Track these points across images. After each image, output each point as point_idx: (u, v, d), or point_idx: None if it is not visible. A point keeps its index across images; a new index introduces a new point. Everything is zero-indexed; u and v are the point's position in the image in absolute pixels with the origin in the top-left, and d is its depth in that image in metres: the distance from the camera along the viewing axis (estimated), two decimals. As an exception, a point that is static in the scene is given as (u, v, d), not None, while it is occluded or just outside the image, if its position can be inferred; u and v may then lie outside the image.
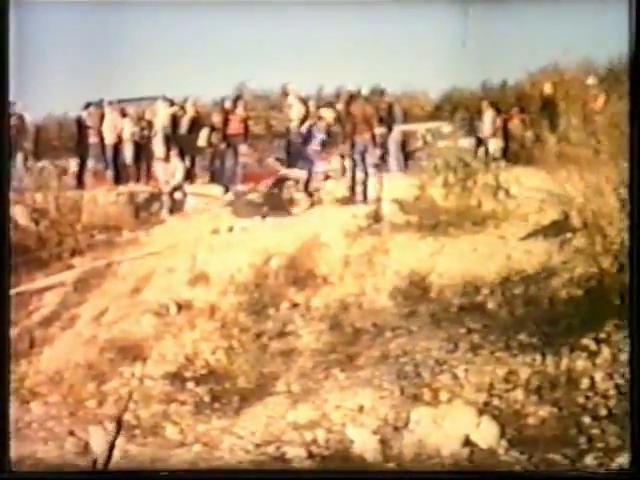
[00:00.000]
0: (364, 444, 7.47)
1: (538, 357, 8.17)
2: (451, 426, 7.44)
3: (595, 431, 6.99)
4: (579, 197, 9.44)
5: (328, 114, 13.86)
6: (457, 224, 11.09)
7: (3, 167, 7.80)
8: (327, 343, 9.39)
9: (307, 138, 13.47)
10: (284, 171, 13.33)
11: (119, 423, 8.11)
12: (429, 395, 8.02)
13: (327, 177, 13.53)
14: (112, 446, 7.35)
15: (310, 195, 12.86)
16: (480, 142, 14.89)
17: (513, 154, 13.78)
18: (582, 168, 9.38)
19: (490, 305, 9.38)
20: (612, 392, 7.37)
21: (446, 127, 16.66)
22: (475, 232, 10.97)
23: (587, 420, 7.14)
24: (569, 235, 9.84)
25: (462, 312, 9.40)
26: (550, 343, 8.34)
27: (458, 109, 21.12)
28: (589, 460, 6.67)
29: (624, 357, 7.67)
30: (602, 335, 8.04)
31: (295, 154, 13.94)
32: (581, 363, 7.85)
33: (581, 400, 7.42)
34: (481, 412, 7.56)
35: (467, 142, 15.37)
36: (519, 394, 7.75)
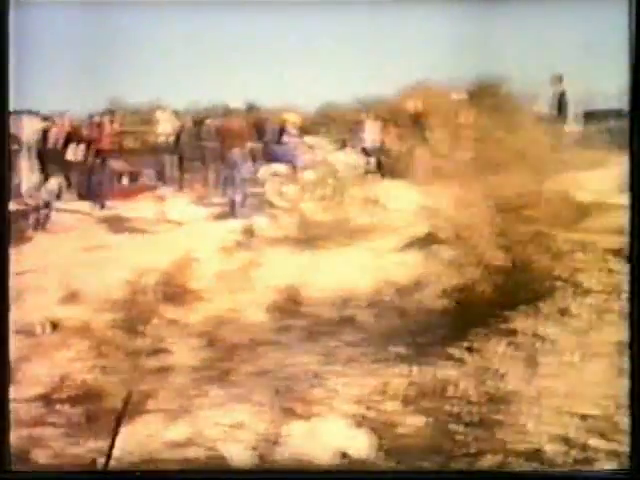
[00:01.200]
0: (240, 460, 7.48)
1: (410, 368, 8.37)
2: (326, 439, 7.54)
3: (464, 437, 7.22)
4: (449, 210, 9.71)
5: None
6: (330, 237, 11.24)
7: (3, 167, 7.69)
8: (202, 359, 9.33)
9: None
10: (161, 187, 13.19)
11: (118, 422, 7.96)
12: (304, 409, 8.08)
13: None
14: (112, 446, 7.34)
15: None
16: (364, 155, 15.13)
17: (386, 167, 14.06)
18: (451, 181, 9.65)
19: (364, 318, 9.53)
20: (479, 399, 7.62)
21: (318, 140, 16.86)
22: (348, 245, 11.14)
23: (457, 427, 7.37)
24: (439, 247, 10.12)
25: (336, 325, 9.52)
26: (422, 353, 8.57)
27: (333, 123, 21.41)
28: (458, 465, 6.90)
29: (490, 365, 7.97)
30: (469, 344, 8.31)
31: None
32: (451, 372, 8.09)
33: (450, 408, 7.65)
34: (356, 424, 7.70)
35: (341, 156, 15.58)
36: (392, 405, 7.92)
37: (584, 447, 6.75)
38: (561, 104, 14.20)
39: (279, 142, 16.14)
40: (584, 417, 7.03)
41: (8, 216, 7.88)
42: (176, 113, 15.51)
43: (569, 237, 9.09)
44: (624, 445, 6.69)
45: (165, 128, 15.11)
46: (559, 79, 14.15)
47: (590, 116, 14.94)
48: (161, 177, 14.68)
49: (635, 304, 6.93)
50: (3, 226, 7.75)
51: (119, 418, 8.08)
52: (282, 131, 18.05)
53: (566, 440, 6.87)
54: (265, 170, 14.82)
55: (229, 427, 7.98)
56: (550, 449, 6.81)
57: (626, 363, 7.40)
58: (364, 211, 11.61)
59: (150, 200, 12.30)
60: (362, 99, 19.30)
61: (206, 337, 9.69)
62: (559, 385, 7.49)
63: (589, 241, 9.05)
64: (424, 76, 16.22)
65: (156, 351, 9.59)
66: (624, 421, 6.86)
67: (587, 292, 8.37)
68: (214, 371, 9.11)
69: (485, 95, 14.94)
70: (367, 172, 13.73)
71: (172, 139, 15.12)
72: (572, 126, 14.14)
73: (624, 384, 7.24)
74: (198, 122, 15.68)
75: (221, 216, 12.87)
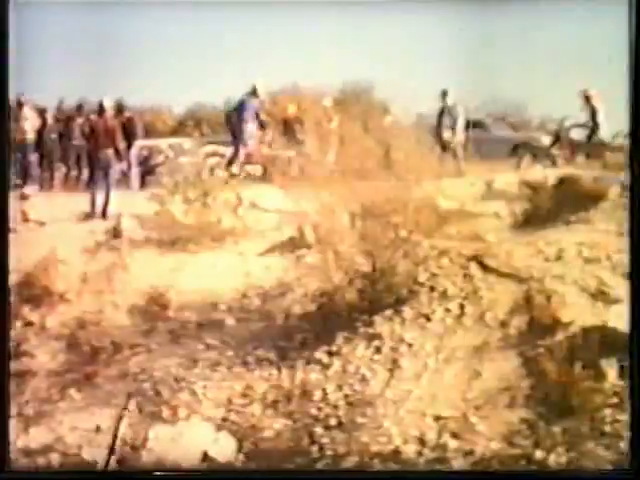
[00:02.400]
0: (101, 466, 7.34)
1: (274, 371, 8.42)
2: (189, 442, 7.49)
3: (325, 440, 7.30)
4: (313, 215, 9.82)
5: None
6: (197, 240, 11.19)
7: (3, 167, 7.55)
8: (63, 363, 9.13)
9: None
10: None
11: (118, 423, 7.71)
12: (167, 412, 8.01)
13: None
14: (112, 446, 7.17)
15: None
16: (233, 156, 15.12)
17: (253, 171, 14.11)
18: (317, 186, 9.75)
19: (228, 321, 9.53)
20: (341, 403, 7.72)
21: (188, 143, 16.76)
22: (214, 248, 11.12)
23: (319, 430, 7.45)
24: (304, 251, 10.23)
25: (201, 328, 9.48)
26: (286, 357, 8.62)
27: (201, 124, 21.31)
28: (320, 467, 6.98)
29: (353, 368, 8.10)
30: (334, 348, 8.42)
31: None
32: (314, 376, 8.17)
33: (314, 411, 7.72)
34: (219, 427, 7.68)
35: (210, 158, 15.53)
36: (256, 408, 7.93)
37: (439, 447, 6.94)
38: (442, 115, 14.60)
39: (148, 142, 15.97)
40: (440, 418, 7.21)
41: (7, 214, 7.69)
42: (40, 110, 15.14)
43: (431, 243, 9.34)
44: (478, 445, 6.89)
45: (32, 125, 14.73)
46: (444, 93, 14.56)
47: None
48: (25, 175, 14.27)
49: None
50: (3, 225, 7.58)
51: (119, 419, 7.86)
52: (151, 131, 17.89)
53: (422, 441, 7.04)
54: (134, 171, 14.63)
55: (90, 431, 7.83)
56: (407, 450, 6.96)
57: (481, 366, 7.68)
58: (231, 214, 11.63)
59: (13, 198, 11.96)
60: (230, 101, 19.27)
61: (68, 340, 9.48)
62: (418, 388, 7.66)
63: (449, 247, 9.31)
64: (295, 81, 16.40)
65: (16, 354, 9.31)
66: (478, 422, 7.08)
67: (447, 297, 8.59)
68: (75, 374, 8.92)
69: (354, 102, 15.23)
70: (235, 175, 13.76)
71: (35, 137, 14.75)
72: (451, 135, 14.58)
73: (479, 386, 7.49)
74: (65, 120, 15.33)
75: (87, 216, 12.62)
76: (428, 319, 8.43)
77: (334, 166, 10.85)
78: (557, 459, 6.54)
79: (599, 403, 6.87)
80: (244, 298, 9.90)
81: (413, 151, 10.26)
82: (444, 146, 14.14)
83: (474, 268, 8.93)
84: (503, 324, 8.10)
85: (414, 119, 14.24)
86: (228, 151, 15.46)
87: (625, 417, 6.68)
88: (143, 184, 14.60)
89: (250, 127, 14.88)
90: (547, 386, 7.17)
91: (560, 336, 7.62)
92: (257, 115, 14.97)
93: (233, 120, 15.17)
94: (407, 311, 8.60)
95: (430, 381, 7.73)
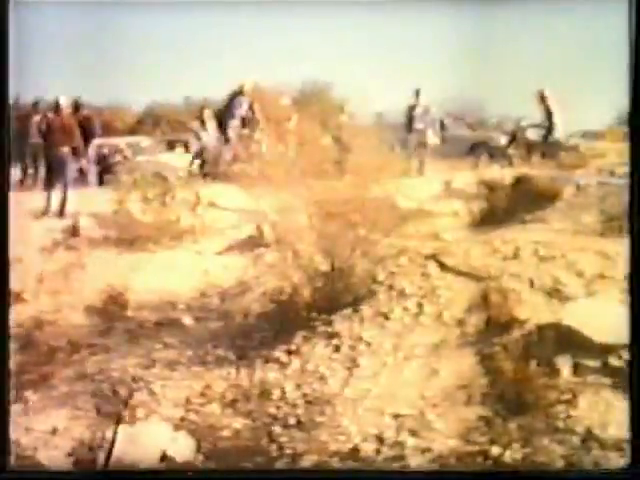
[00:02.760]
0: (58, 467, 7.28)
1: (233, 370, 8.42)
2: (148, 442, 7.46)
3: (284, 439, 7.32)
4: (272, 214, 9.83)
5: None
6: (155, 239, 11.14)
7: (3, 167, 7.47)
8: (19, 363, 9.02)
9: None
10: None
11: (118, 422, 7.55)
12: (126, 413, 7.97)
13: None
14: (112, 446, 7.06)
15: None
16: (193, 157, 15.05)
17: (213, 170, 14.06)
18: (276, 185, 9.76)
19: (187, 320, 9.50)
20: (300, 401, 7.74)
21: (146, 141, 16.67)
22: (173, 247, 11.08)
23: (278, 429, 7.46)
24: (262, 250, 10.24)
25: (159, 328, 9.45)
26: (244, 356, 8.63)
27: (160, 123, 21.18)
28: (279, 466, 6.99)
29: (312, 367, 8.12)
30: (292, 347, 8.44)
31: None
32: (273, 375, 8.19)
33: (273, 410, 7.73)
34: (177, 427, 7.65)
35: (167, 157, 15.46)
36: (214, 408, 7.93)
37: (397, 445, 6.99)
38: (411, 116, 14.62)
39: (106, 141, 15.85)
40: (398, 416, 7.26)
41: (8, 210, 7.59)
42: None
43: (389, 242, 9.40)
44: (436, 442, 6.95)
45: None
46: (417, 92, 14.58)
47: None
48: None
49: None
50: (3, 223, 7.49)
51: (119, 419, 7.76)
52: (110, 130, 17.74)
53: (380, 439, 7.08)
54: (92, 169, 14.51)
55: (46, 433, 7.75)
56: (365, 448, 7.00)
57: (438, 364, 7.75)
58: (190, 213, 11.59)
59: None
60: (192, 101, 19.20)
61: (24, 340, 9.38)
62: (376, 386, 7.71)
63: (408, 246, 9.39)
64: (254, 80, 16.36)
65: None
66: (435, 419, 7.14)
67: (405, 296, 8.66)
68: (31, 375, 8.83)
69: (312, 101, 15.25)
70: (194, 174, 13.72)
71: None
72: (423, 134, 14.64)
73: (437, 384, 7.55)
74: (21, 118, 15.15)
75: (43, 215, 12.49)
76: (386, 318, 8.49)
77: (292, 165, 10.86)
78: (512, 455, 6.62)
79: (553, 399, 6.96)
80: (203, 297, 9.89)
81: (372, 150, 10.31)
82: (419, 144, 14.17)
83: (432, 267, 9.02)
84: (460, 322, 8.19)
85: (373, 118, 14.32)
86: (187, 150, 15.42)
87: (578, 412, 6.80)
88: (101, 183, 14.48)
89: (236, 125, 14.82)
90: (503, 383, 7.24)
91: (516, 334, 7.72)
92: (245, 113, 14.90)
93: (222, 118, 15.09)
94: (366, 310, 8.65)
95: (388, 379, 7.78)
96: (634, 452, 6.09)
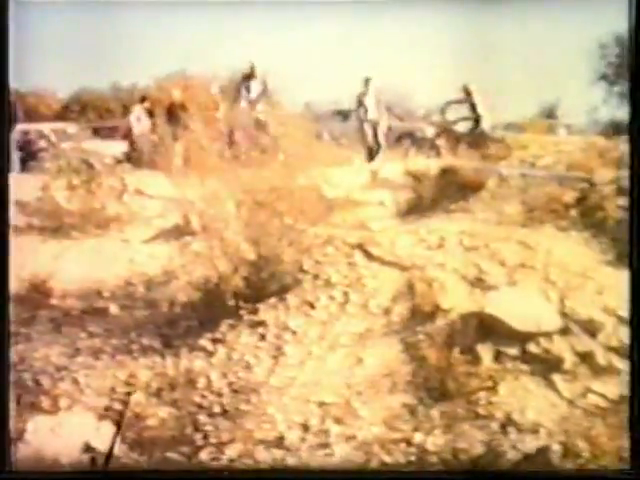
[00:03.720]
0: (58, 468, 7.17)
1: (158, 359, 8.37)
2: (70, 433, 7.37)
3: (210, 428, 7.32)
4: (199, 202, 9.77)
5: None
6: (80, 227, 10.97)
7: (3, 167, 7.58)
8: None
9: None
10: None
11: (119, 423, 7.41)
12: (48, 403, 7.87)
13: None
14: (112, 446, 6.99)
15: None
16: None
17: (138, 157, 13.89)
18: (203, 173, 9.70)
19: (112, 309, 9.39)
20: (226, 390, 7.75)
21: (72, 128, 16.40)
22: (99, 235, 10.93)
23: (203, 418, 7.46)
24: (189, 239, 10.16)
25: (83, 316, 9.32)
26: (170, 345, 8.58)
27: (87, 109, 20.84)
28: (204, 455, 7.00)
29: (237, 356, 8.13)
30: (218, 335, 8.43)
31: None
32: (199, 363, 8.17)
33: (198, 399, 7.72)
34: (101, 417, 7.59)
35: (93, 144, 15.22)
36: (139, 397, 7.88)
37: (322, 432, 7.05)
38: (361, 105, 14.52)
39: (29, 126, 15.55)
40: (323, 404, 7.32)
41: (7, 214, 7.77)
42: None
43: (316, 231, 9.43)
44: (360, 430, 7.03)
45: None
46: (366, 81, 14.49)
47: (339, 114, 15.57)
48: None
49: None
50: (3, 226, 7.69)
51: (119, 419, 7.59)
52: (34, 116, 17.39)
53: (305, 427, 7.13)
54: (14, 156, 14.21)
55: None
56: (290, 436, 7.05)
57: (364, 352, 7.83)
58: (116, 201, 11.45)
59: None
60: (119, 87, 18.95)
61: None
62: (302, 375, 7.75)
63: (334, 235, 9.43)
64: (182, 67, 16.21)
65: None
66: (360, 407, 7.22)
67: (331, 285, 8.71)
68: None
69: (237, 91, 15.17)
70: (121, 161, 13.53)
71: None
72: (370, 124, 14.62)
73: (362, 372, 7.63)
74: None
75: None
76: (312, 307, 8.53)
77: (220, 154, 10.81)
78: (435, 441, 6.75)
79: (475, 386, 7.11)
80: (128, 286, 9.78)
81: (299, 140, 10.32)
82: (374, 134, 14.07)
83: (358, 256, 9.08)
84: (386, 311, 8.28)
85: (301, 108, 14.33)
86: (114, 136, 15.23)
87: (498, 399, 6.96)
88: (25, 169, 14.20)
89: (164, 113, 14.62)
90: (427, 371, 7.37)
91: (440, 322, 7.85)
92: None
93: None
94: (291, 299, 8.68)
95: (314, 368, 7.83)
96: (634, 452, 6.20)
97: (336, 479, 6.82)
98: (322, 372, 7.76)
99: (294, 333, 8.26)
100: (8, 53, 7.25)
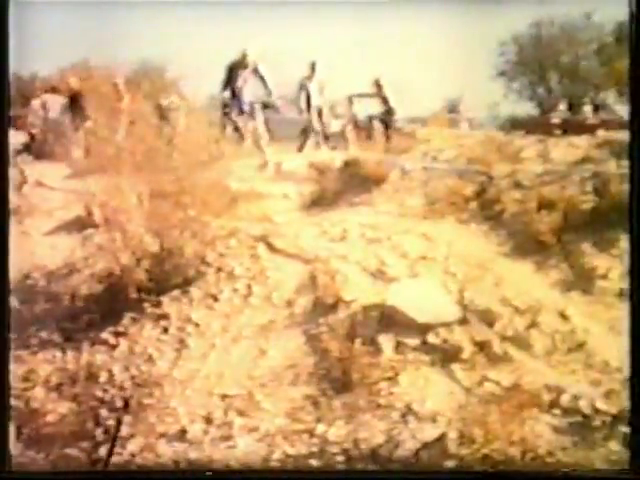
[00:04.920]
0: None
1: (59, 353, 8.25)
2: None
3: (111, 422, 7.25)
4: (101, 194, 9.64)
5: None
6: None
7: (3, 166, 7.54)
8: None
9: None
10: None
11: (119, 422, 7.20)
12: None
13: None
14: (112, 446, 6.87)
15: None
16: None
17: (39, 148, 13.61)
18: (105, 165, 9.58)
19: (11, 302, 9.18)
20: (128, 384, 7.69)
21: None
22: (-3, 227, 10.66)
23: (104, 412, 7.38)
24: (91, 231, 10.02)
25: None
26: (71, 339, 8.46)
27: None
28: (103, 451, 6.93)
29: (140, 349, 8.07)
30: (120, 329, 8.35)
31: None
32: (100, 357, 8.08)
33: (99, 393, 7.64)
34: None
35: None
36: (38, 392, 7.75)
37: (225, 425, 7.06)
38: (303, 89, 14.32)
39: None
40: (226, 397, 7.33)
41: (8, 212, 7.63)
42: None
43: (220, 223, 9.41)
44: (263, 421, 7.07)
45: None
46: (312, 66, 14.28)
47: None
48: None
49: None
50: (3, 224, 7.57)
51: (119, 418, 7.32)
52: None
53: (208, 420, 7.14)
54: None
55: None
56: (193, 429, 7.04)
57: (267, 344, 7.86)
58: (15, 192, 11.18)
59: None
60: (20, 76, 18.44)
61: None
62: (205, 367, 7.75)
63: (238, 228, 9.43)
64: (86, 57, 15.91)
65: None
66: (263, 399, 7.26)
67: (234, 277, 8.71)
68: None
69: (146, 81, 15.00)
70: (20, 152, 13.23)
71: None
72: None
73: (265, 364, 7.67)
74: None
75: None
76: (215, 299, 8.52)
77: (123, 145, 10.69)
78: (336, 432, 6.83)
79: (376, 377, 7.22)
80: (28, 279, 9.59)
81: (204, 132, 10.28)
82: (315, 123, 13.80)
83: (262, 249, 9.10)
84: (289, 303, 8.32)
85: (207, 100, 14.23)
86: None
87: (399, 389, 7.09)
88: None
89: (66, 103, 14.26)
90: (329, 362, 7.45)
91: (342, 314, 7.93)
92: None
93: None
94: (195, 291, 8.65)
95: (217, 360, 7.84)
96: (634, 452, 6.32)
97: (338, 478, 6.84)
98: (225, 364, 7.77)
99: (197, 326, 8.24)
100: (8, 53, 7.33)
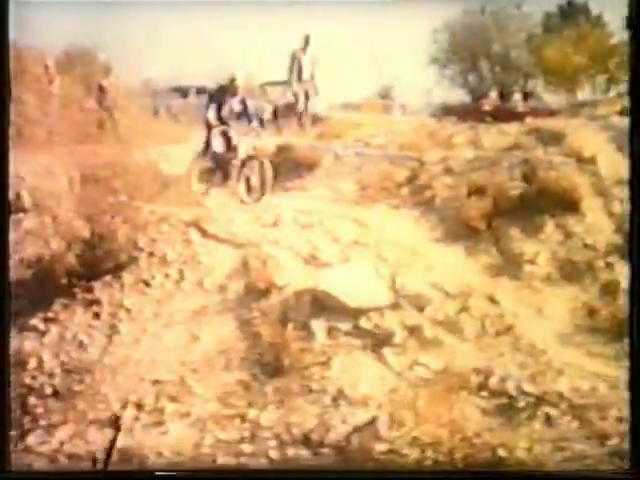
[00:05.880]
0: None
1: (-15, 340, 8.11)
2: None
3: (40, 410, 7.16)
4: (31, 178, 9.48)
5: None
6: None
7: (3, 166, 7.43)
8: None
9: None
10: None
11: (118, 422, 6.96)
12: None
13: None
14: (112, 446, 6.66)
15: None
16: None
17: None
18: (35, 148, 9.41)
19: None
20: (58, 370, 7.60)
21: None
22: None
23: (33, 400, 7.28)
24: (20, 216, 9.84)
25: None
26: (-2, 325, 8.32)
27: None
28: (31, 439, 6.84)
29: (70, 335, 7.97)
30: (50, 315, 8.23)
31: None
32: (29, 344, 7.96)
33: (28, 381, 7.53)
34: None
35: None
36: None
37: (156, 411, 7.02)
38: (295, 62, 13.89)
39: None
40: (158, 382, 7.29)
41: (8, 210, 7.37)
42: None
43: (151, 208, 9.33)
44: (195, 407, 7.05)
45: None
46: (306, 39, 13.87)
47: (177, 91, 15.38)
48: None
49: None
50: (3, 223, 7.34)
51: (119, 418, 7.07)
52: None
53: (140, 405, 7.09)
54: None
55: None
56: (124, 415, 6.99)
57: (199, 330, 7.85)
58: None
59: None
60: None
61: None
62: (137, 353, 7.69)
63: (170, 213, 9.35)
64: (14, 38, 15.56)
65: None
66: (195, 384, 7.24)
67: (166, 263, 8.65)
68: None
69: (77, 64, 14.75)
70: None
71: None
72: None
73: (197, 350, 7.65)
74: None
75: None
76: (147, 284, 8.46)
77: (54, 128, 10.52)
78: (268, 416, 6.86)
79: (308, 362, 7.27)
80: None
81: (136, 115, 10.17)
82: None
83: (194, 234, 9.05)
84: (221, 289, 8.31)
85: (140, 84, 14.06)
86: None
87: (331, 373, 7.14)
88: None
89: None
90: (261, 347, 7.46)
91: (274, 299, 7.95)
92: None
93: None
94: (126, 276, 8.56)
95: (149, 346, 7.79)
96: (634, 452, 6.36)
97: (338, 478, 6.82)
98: (157, 350, 7.72)
99: (129, 311, 8.17)
100: (8, 53, 7.44)
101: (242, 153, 10.14)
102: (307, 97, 13.45)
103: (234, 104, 10.32)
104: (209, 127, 10.22)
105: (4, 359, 7.05)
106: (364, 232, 8.96)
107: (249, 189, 10.13)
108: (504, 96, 16.18)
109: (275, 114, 13.99)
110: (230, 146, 10.21)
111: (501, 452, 6.17)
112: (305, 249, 8.65)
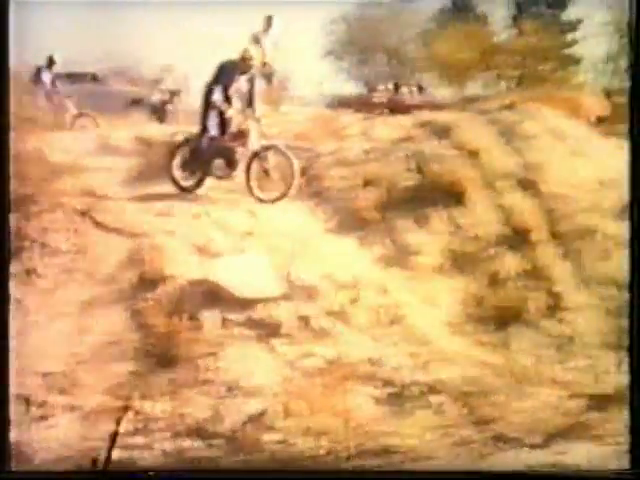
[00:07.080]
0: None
1: None
2: None
3: None
4: None
5: None
6: None
7: (3, 166, 7.40)
8: None
9: None
10: None
11: (118, 423, 6.69)
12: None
13: None
14: (112, 446, 6.43)
15: None
16: None
17: None
18: None
19: None
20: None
21: None
22: None
23: None
24: None
25: None
26: None
27: None
28: None
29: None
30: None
31: None
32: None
33: None
34: None
35: None
36: None
37: (45, 404, 6.89)
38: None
39: None
40: (47, 375, 7.15)
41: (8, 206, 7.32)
42: None
43: (42, 197, 9.11)
44: (85, 399, 6.92)
45: None
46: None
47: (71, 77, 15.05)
48: None
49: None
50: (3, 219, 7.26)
51: (119, 418, 6.72)
52: None
53: (27, 399, 6.94)
54: None
55: None
56: (12, 410, 6.81)
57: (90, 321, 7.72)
58: None
59: None
60: None
61: None
62: (25, 345, 7.51)
63: (61, 202, 9.14)
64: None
65: None
66: (85, 376, 7.13)
67: (55, 252, 8.47)
68: None
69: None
70: None
71: None
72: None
73: (87, 341, 7.53)
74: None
75: None
76: (38, 275, 8.27)
77: None
78: (161, 407, 6.80)
79: (201, 352, 7.24)
80: None
81: (22, 101, 9.90)
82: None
83: (86, 223, 8.88)
84: (113, 279, 8.19)
85: (22, 68, 13.70)
86: None
87: (224, 364, 7.14)
88: None
89: None
90: (153, 338, 7.40)
91: (167, 289, 7.89)
92: None
93: None
94: (16, 266, 8.33)
95: (37, 337, 7.62)
96: (634, 452, 6.40)
97: (338, 478, 6.71)
98: (46, 342, 7.56)
99: (18, 302, 7.96)
100: (8, 53, 7.21)
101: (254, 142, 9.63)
102: None
103: (242, 82, 9.66)
104: (206, 108, 9.69)
105: (4, 360, 6.88)
106: (257, 223, 8.97)
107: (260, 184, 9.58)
108: (399, 89, 16.42)
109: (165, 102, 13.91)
110: (225, 130, 9.70)
111: (393, 440, 6.29)
112: (198, 239, 8.59)
